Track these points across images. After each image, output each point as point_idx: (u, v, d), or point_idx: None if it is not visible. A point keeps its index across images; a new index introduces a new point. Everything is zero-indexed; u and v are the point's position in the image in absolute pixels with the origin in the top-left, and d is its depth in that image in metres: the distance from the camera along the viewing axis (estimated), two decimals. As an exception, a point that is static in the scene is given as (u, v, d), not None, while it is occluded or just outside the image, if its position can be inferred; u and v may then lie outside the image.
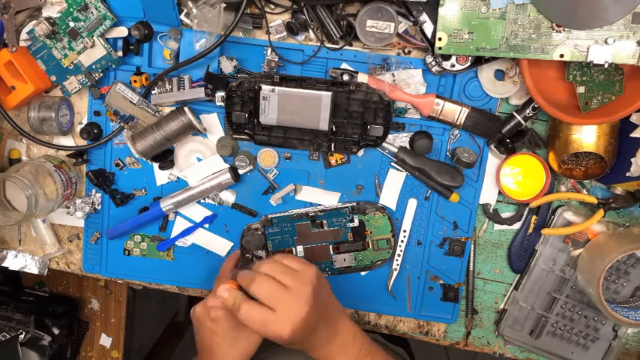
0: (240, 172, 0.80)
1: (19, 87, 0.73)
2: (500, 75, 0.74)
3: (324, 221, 0.80)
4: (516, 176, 0.78)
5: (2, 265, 0.86)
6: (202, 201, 0.82)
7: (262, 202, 0.81)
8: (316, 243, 0.81)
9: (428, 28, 0.70)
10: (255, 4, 0.74)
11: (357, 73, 0.73)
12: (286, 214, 0.80)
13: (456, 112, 0.74)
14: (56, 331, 1.20)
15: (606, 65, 0.64)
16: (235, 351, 0.70)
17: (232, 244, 0.83)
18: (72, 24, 0.71)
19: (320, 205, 0.80)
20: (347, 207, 0.79)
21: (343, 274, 0.82)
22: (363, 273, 0.83)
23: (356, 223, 0.79)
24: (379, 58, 0.74)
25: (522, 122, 0.75)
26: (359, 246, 0.80)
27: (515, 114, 0.75)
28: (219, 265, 0.83)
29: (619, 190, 0.77)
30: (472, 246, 0.82)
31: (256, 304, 0.63)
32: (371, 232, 0.80)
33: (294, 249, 0.81)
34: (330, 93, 0.71)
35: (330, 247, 0.81)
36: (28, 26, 0.74)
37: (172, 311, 1.79)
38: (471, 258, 0.83)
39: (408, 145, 0.78)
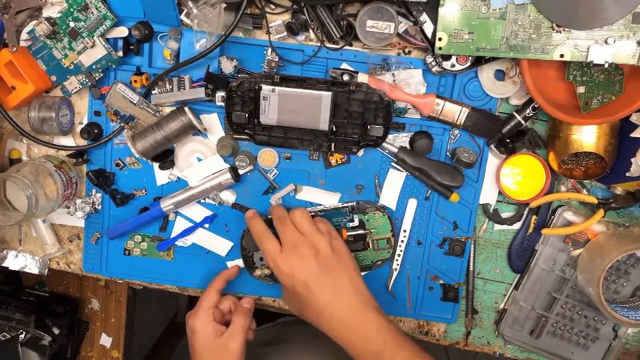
0: (241, 172, 0.80)
1: (20, 87, 0.73)
2: (500, 75, 0.74)
3: None
4: (516, 176, 0.78)
5: (2, 265, 0.86)
6: (202, 201, 0.82)
7: (262, 202, 0.81)
8: None
9: (428, 28, 0.70)
10: (256, 4, 0.74)
11: (357, 73, 0.73)
12: None
13: (456, 112, 0.75)
14: (56, 331, 1.20)
15: (606, 65, 0.64)
16: None
17: (232, 243, 0.83)
18: (72, 24, 0.71)
19: (320, 205, 0.80)
20: (347, 207, 0.79)
21: None
22: (363, 273, 0.83)
23: (356, 222, 0.79)
24: (379, 58, 0.74)
25: (522, 122, 0.75)
26: (359, 246, 0.80)
27: (515, 114, 0.75)
28: (219, 265, 0.83)
29: (619, 190, 0.77)
30: (472, 246, 0.82)
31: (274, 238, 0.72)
32: (371, 232, 0.80)
33: None
34: (330, 93, 0.72)
35: None
36: (28, 26, 0.74)
37: (172, 311, 1.79)
38: (471, 258, 0.83)
39: (408, 145, 0.78)
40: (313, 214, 0.79)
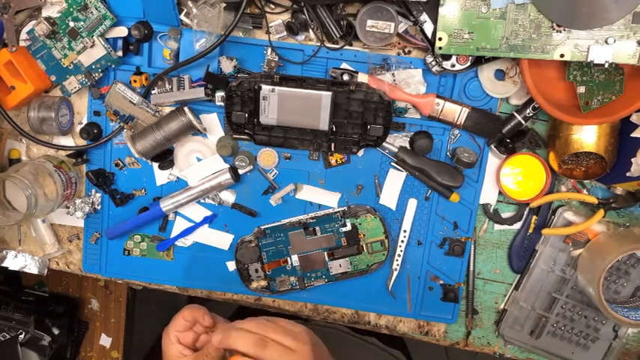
0: (240, 172, 0.80)
1: (19, 87, 0.73)
2: (500, 75, 0.74)
3: (317, 228, 0.79)
4: (516, 176, 0.78)
5: (2, 265, 0.86)
6: (202, 201, 0.82)
7: (262, 202, 0.81)
8: (311, 251, 0.80)
9: (428, 27, 0.70)
10: (255, 4, 0.74)
11: (357, 73, 0.73)
12: (279, 223, 0.80)
13: (456, 112, 0.74)
14: (56, 331, 1.20)
15: (606, 65, 0.64)
16: None
17: (232, 236, 0.83)
18: (72, 24, 0.71)
19: (312, 212, 0.80)
20: (338, 212, 0.79)
21: (340, 280, 0.82)
22: (359, 277, 0.82)
23: (348, 227, 0.79)
24: (379, 58, 0.74)
25: (522, 122, 0.75)
26: (353, 250, 0.80)
27: (515, 114, 0.75)
28: (219, 265, 0.83)
29: (619, 190, 0.77)
30: (472, 246, 0.82)
31: None
32: (364, 235, 0.80)
33: (288, 258, 0.80)
34: (330, 93, 0.71)
35: (325, 253, 0.80)
36: (28, 26, 0.74)
37: (172, 311, 1.79)
38: (471, 258, 0.83)
39: (408, 145, 0.78)
40: (305, 223, 0.79)
